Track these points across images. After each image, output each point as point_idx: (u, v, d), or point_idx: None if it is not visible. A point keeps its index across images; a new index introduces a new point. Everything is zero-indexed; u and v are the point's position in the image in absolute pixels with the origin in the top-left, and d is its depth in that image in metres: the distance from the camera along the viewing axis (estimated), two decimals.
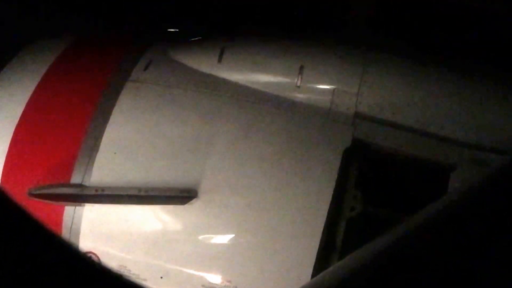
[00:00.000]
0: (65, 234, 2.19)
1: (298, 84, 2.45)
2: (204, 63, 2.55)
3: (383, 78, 2.47)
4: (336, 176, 2.21)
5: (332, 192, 2.19)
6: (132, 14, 3.27)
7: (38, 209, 2.17)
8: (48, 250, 0.79)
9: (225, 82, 2.48)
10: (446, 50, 2.62)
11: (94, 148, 2.25)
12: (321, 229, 2.15)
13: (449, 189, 2.29)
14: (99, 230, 2.22)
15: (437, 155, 2.37)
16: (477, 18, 2.87)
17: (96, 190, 2.19)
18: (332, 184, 2.20)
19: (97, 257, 2.20)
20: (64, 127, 2.34)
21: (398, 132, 2.40)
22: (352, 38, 2.65)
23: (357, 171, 2.33)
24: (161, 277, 2.17)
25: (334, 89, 2.44)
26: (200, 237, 2.19)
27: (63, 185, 2.22)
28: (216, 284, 2.17)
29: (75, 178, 2.23)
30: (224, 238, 2.18)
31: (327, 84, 2.46)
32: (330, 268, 1.69)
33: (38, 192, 2.20)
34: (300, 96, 2.45)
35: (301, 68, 2.46)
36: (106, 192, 2.19)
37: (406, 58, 2.57)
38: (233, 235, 2.18)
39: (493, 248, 1.10)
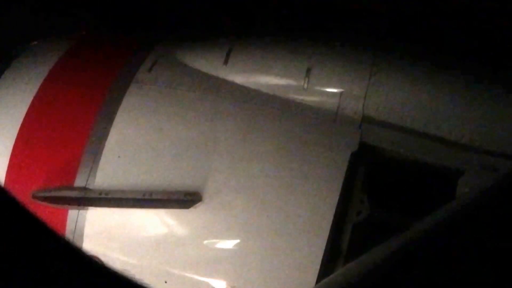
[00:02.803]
0: (68, 237, 2.18)
1: (305, 86, 2.43)
2: (209, 65, 2.52)
3: (391, 81, 2.44)
4: (342, 180, 2.18)
5: (338, 197, 2.16)
6: (137, 14, 3.27)
7: (42, 212, 2.16)
8: (52, 253, 0.78)
9: (231, 84, 2.47)
10: (455, 52, 2.59)
11: (98, 151, 2.24)
12: (327, 234, 2.12)
13: (456, 195, 2.25)
14: (102, 233, 2.20)
15: (445, 160, 2.34)
16: (488, 18, 2.84)
17: (100, 194, 2.18)
18: (339, 188, 2.17)
19: (100, 261, 2.19)
20: (68, 129, 2.33)
21: (406, 136, 2.37)
22: (360, 40, 2.63)
23: (364, 175, 2.30)
24: (165, 282, 2.15)
25: (341, 92, 2.42)
26: (205, 242, 2.17)
27: (67, 188, 2.21)
28: None
29: (79, 181, 2.22)
30: (228, 243, 2.16)
31: (334, 87, 2.44)
32: (335, 273, 1.67)
33: (42, 195, 2.19)
34: (306, 98, 2.42)
35: (308, 70, 2.44)
36: (110, 196, 2.18)
37: (415, 60, 2.54)
38: (238, 239, 2.15)
39: (502, 255, 1.08)
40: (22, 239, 0.77)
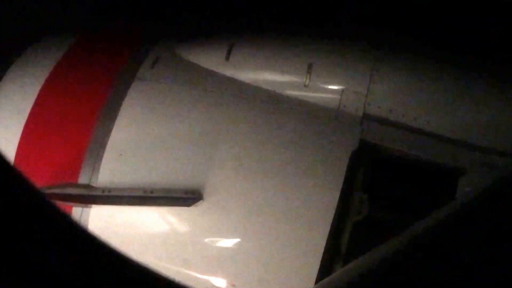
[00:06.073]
0: None
1: (306, 83, 2.42)
2: (211, 61, 2.52)
3: (393, 79, 2.43)
4: (342, 179, 2.18)
5: (338, 195, 2.16)
6: (139, 10, 3.25)
7: None
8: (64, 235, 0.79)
9: (232, 80, 2.46)
10: (458, 49, 2.57)
11: (101, 148, 2.25)
12: (327, 233, 2.13)
13: (457, 194, 2.25)
14: (105, 231, 2.21)
15: (446, 158, 2.33)
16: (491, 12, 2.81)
17: (103, 191, 2.20)
18: (339, 186, 2.17)
19: None
20: (71, 127, 2.34)
21: (407, 134, 2.36)
22: (362, 37, 2.61)
23: (364, 174, 2.30)
24: None
25: (342, 89, 2.40)
26: (205, 240, 2.18)
27: (70, 185, 2.23)
28: None
29: (83, 179, 2.24)
30: (229, 242, 2.18)
31: (336, 84, 2.42)
32: (335, 273, 1.67)
33: (46, 192, 2.20)
34: (308, 95, 2.41)
35: (310, 66, 2.42)
36: (112, 193, 2.19)
37: (417, 58, 2.52)
38: (238, 238, 2.17)
39: (505, 255, 1.08)
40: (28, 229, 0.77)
